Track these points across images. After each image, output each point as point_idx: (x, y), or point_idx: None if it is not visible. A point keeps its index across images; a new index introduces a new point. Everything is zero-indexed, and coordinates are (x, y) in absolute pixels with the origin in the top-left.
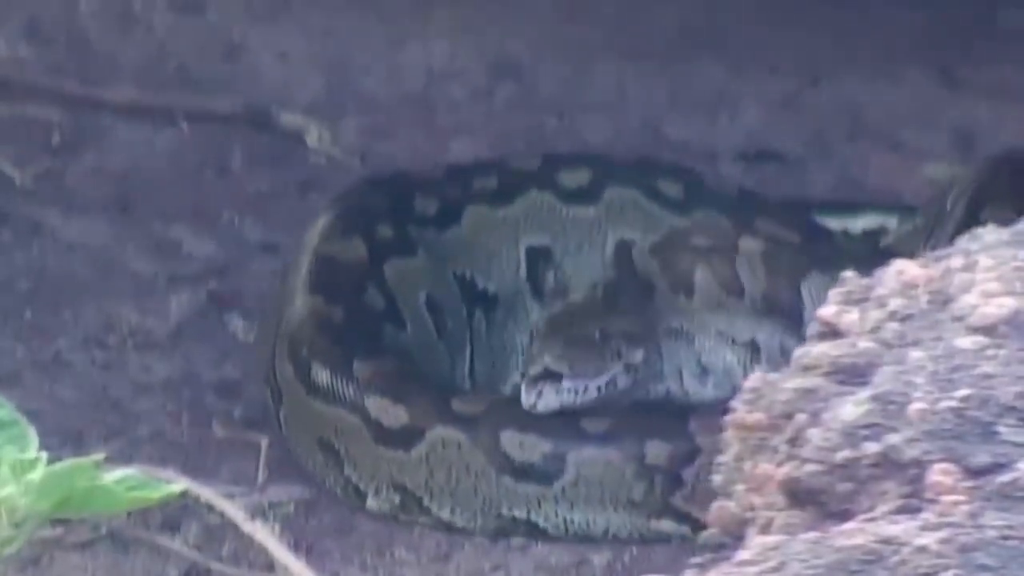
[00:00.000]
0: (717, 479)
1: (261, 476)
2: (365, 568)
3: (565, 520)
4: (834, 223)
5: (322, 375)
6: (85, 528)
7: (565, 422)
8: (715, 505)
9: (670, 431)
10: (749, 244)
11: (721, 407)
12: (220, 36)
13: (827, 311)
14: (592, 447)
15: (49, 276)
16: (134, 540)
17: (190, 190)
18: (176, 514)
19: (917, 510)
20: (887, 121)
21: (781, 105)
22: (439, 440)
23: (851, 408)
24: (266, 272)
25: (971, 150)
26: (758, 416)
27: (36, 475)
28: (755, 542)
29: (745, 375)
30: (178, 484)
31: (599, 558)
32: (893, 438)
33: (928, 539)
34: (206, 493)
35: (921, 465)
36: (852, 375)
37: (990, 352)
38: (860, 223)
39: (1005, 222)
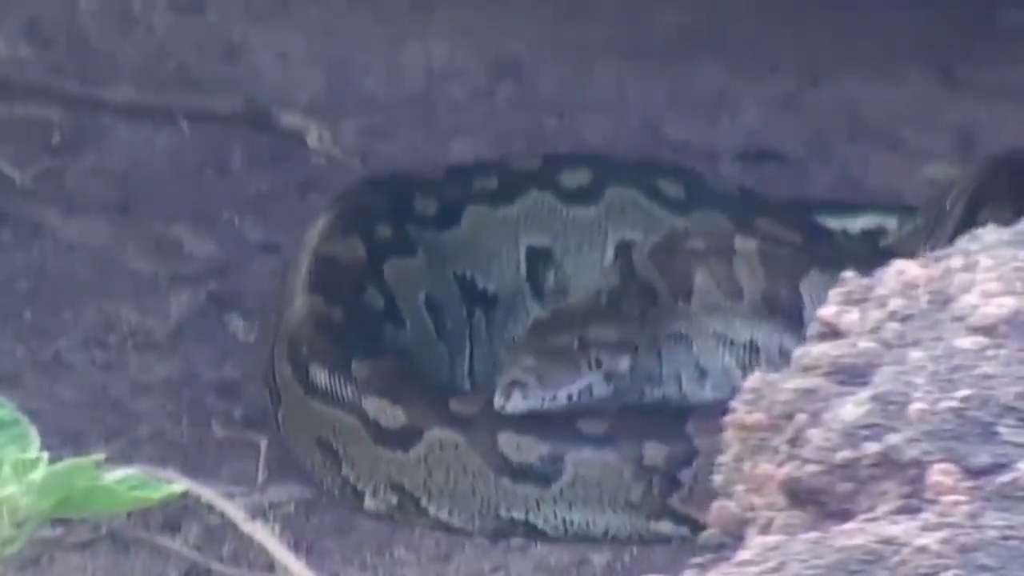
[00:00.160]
0: (717, 479)
1: (261, 476)
2: (365, 568)
3: (564, 521)
4: (834, 223)
5: (320, 375)
6: (85, 528)
7: (563, 423)
8: (715, 505)
9: (668, 432)
10: (747, 244)
11: (719, 408)
12: (220, 36)
13: (827, 311)
14: (590, 448)
15: (49, 276)
16: (134, 540)
17: (190, 190)
18: (176, 514)
19: (917, 510)
20: (887, 121)
21: (781, 105)
22: (437, 441)
23: (851, 408)
24: (266, 272)
25: (971, 150)
26: (758, 416)
27: (37, 475)
28: (755, 542)
29: (744, 376)
30: (178, 484)
31: (599, 558)
32: (893, 438)
33: (928, 539)
34: (206, 493)
35: (921, 465)
36: (852, 375)
37: (990, 352)
38: (860, 223)
39: (1005, 222)
